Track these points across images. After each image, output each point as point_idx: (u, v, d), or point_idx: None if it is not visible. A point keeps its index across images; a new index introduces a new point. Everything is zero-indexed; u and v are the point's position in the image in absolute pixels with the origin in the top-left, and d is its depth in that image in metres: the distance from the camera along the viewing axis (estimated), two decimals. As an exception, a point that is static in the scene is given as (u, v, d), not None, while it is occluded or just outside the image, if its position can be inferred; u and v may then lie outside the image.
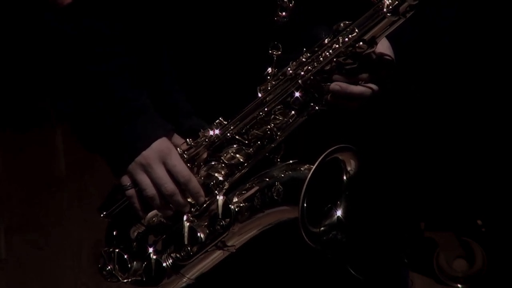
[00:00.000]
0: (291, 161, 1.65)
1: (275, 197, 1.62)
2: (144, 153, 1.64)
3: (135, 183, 1.66)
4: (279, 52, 1.65)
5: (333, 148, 1.59)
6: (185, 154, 1.67)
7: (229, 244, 1.66)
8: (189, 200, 1.67)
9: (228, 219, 1.64)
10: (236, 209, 1.64)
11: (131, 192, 1.67)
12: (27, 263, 3.52)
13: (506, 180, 3.12)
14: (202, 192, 1.66)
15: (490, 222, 3.22)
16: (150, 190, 1.65)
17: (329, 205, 1.63)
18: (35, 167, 3.75)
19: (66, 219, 3.59)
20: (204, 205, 1.67)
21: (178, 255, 1.67)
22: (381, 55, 1.64)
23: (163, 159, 1.64)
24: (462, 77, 3.05)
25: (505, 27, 2.96)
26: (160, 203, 1.66)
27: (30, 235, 3.58)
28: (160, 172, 1.64)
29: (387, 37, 1.64)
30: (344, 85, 1.62)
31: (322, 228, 1.61)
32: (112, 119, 1.65)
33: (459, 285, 3.31)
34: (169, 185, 1.64)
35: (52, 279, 3.48)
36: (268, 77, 1.66)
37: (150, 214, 1.70)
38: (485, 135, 3.11)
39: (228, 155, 1.66)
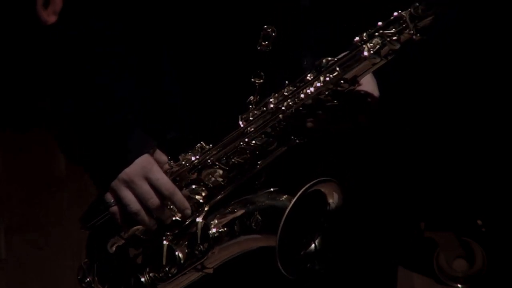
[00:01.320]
0: (271, 189, 1.67)
1: (254, 227, 1.64)
2: (127, 170, 1.65)
3: (118, 200, 1.67)
4: (261, 81, 1.68)
5: (314, 181, 1.61)
6: (167, 174, 1.68)
7: (207, 266, 1.68)
8: (174, 213, 1.68)
9: (206, 244, 1.66)
10: (216, 235, 1.66)
11: (115, 209, 1.68)
12: (27, 263, 3.52)
13: (506, 180, 3.13)
14: (187, 205, 1.67)
15: (490, 222, 3.22)
16: (134, 205, 1.66)
17: (308, 237, 1.65)
18: (35, 167, 3.75)
19: (66, 219, 3.59)
20: (184, 224, 1.68)
21: (156, 275, 1.69)
22: (364, 94, 1.66)
23: (146, 174, 1.65)
24: (462, 77, 3.05)
25: (505, 27, 2.97)
26: (144, 218, 1.67)
27: (30, 235, 3.58)
28: (145, 188, 1.65)
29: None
30: (318, 125, 1.64)
31: (300, 258, 1.63)
32: (95, 137, 1.68)
33: (459, 285, 3.31)
34: (155, 199, 1.65)
35: (52, 279, 3.48)
36: (250, 106, 1.68)
37: (131, 229, 1.71)
38: (485, 135, 3.11)
39: (209, 178, 1.68)
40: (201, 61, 1.71)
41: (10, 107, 3.88)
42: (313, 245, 1.65)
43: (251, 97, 1.68)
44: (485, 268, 3.28)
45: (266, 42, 1.68)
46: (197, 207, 1.68)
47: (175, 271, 1.68)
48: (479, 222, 3.23)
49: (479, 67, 3.03)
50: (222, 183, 1.68)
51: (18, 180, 3.74)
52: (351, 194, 1.67)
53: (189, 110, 1.74)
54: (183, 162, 1.68)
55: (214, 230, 1.66)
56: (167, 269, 1.68)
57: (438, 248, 3.30)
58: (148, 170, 1.66)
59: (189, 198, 1.68)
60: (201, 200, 1.68)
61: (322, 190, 1.63)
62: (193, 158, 1.68)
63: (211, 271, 1.69)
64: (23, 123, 3.85)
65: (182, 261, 1.68)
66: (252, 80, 1.68)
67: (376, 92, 1.69)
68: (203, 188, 1.68)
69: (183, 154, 1.69)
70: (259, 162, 1.67)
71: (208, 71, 1.72)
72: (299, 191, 1.59)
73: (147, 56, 1.73)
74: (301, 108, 1.63)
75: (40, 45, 1.71)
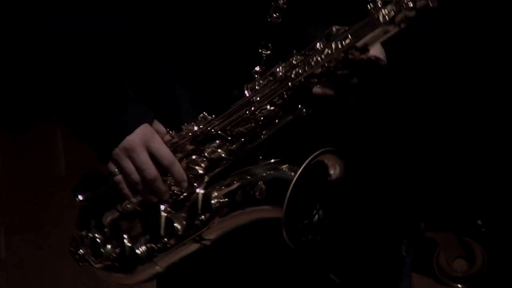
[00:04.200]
0: (273, 160, 1.65)
1: (258, 196, 1.62)
2: (128, 137, 1.65)
3: (120, 170, 1.67)
4: (269, 52, 1.66)
5: (319, 151, 1.59)
6: (168, 144, 1.67)
7: (206, 237, 1.66)
8: (171, 187, 1.67)
9: (207, 214, 1.64)
10: (216, 205, 1.64)
11: (119, 178, 1.68)
12: (27, 263, 3.52)
13: (506, 180, 3.13)
14: (185, 177, 1.66)
15: (490, 222, 3.22)
16: (135, 175, 1.66)
17: (311, 207, 1.63)
18: (35, 167, 3.75)
19: (66, 219, 3.58)
20: (182, 196, 1.67)
21: (154, 246, 1.68)
22: (374, 58, 1.64)
23: (146, 143, 1.65)
24: (462, 77, 3.05)
25: (505, 27, 2.97)
26: (144, 189, 1.66)
27: (30, 235, 3.58)
28: (143, 157, 1.65)
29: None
30: (326, 90, 1.62)
31: (302, 229, 1.62)
32: (99, 110, 1.67)
33: (459, 285, 3.31)
34: (151, 170, 1.65)
35: (52, 279, 3.48)
36: (256, 76, 1.66)
37: (126, 201, 1.71)
38: (485, 135, 3.11)
39: (210, 150, 1.67)
40: (210, 30, 1.69)
41: (10, 107, 3.88)
42: (315, 217, 1.63)
43: (257, 68, 1.67)
44: (485, 268, 3.28)
45: (277, 14, 1.67)
46: (197, 179, 1.67)
47: (173, 242, 1.67)
48: (479, 222, 3.23)
49: (479, 67, 3.03)
50: (223, 155, 1.66)
51: (18, 180, 3.73)
52: (352, 167, 1.66)
53: (193, 81, 1.73)
54: (185, 132, 1.67)
55: (215, 200, 1.65)
56: (165, 239, 1.67)
57: (438, 248, 3.30)
58: (149, 139, 1.65)
59: (189, 169, 1.67)
60: (201, 171, 1.67)
61: (325, 161, 1.61)
62: (195, 128, 1.67)
63: (208, 243, 1.67)
64: (23, 123, 3.85)
65: (180, 232, 1.66)
66: (259, 51, 1.67)
67: (384, 59, 1.66)
68: (204, 159, 1.67)
69: (185, 124, 1.68)
70: (263, 132, 1.65)
71: (216, 41, 1.70)
72: (304, 161, 1.57)
73: (150, 28, 1.72)
74: (310, 76, 1.61)
75: (37, 42, 1.71)
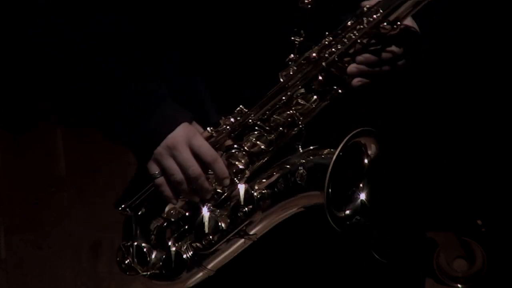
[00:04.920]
0: (311, 147, 1.64)
1: (299, 182, 1.61)
2: (170, 135, 1.63)
3: (163, 170, 1.65)
4: (301, 39, 1.65)
5: (355, 131, 1.58)
6: (207, 141, 1.66)
7: (251, 232, 1.65)
8: (214, 185, 1.66)
9: (250, 206, 1.63)
10: (258, 196, 1.63)
11: (161, 180, 1.66)
12: (27, 263, 3.52)
13: (506, 180, 3.12)
14: (228, 174, 1.65)
15: (490, 222, 3.22)
16: (178, 174, 1.64)
17: (352, 189, 1.62)
18: (35, 167, 3.75)
19: (66, 219, 3.59)
20: (225, 194, 1.66)
21: (199, 245, 1.65)
22: (406, 28, 1.62)
23: (189, 141, 1.63)
24: (462, 77, 3.05)
25: (505, 27, 2.97)
26: (188, 188, 1.64)
27: (30, 235, 3.58)
28: (187, 155, 1.63)
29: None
30: (361, 67, 1.61)
31: (346, 212, 1.61)
32: (134, 108, 1.65)
33: (459, 285, 3.31)
34: (195, 168, 1.63)
35: (52, 279, 3.48)
36: (290, 63, 1.65)
37: (169, 207, 1.69)
38: (485, 135, 3.11)
39: (249, 143, 1.66)
40: (241, 19, 1.68)
41: (10, 107, 3.87)
42: (358, 199, 1.62)
43: (291, 55, 1.65)
44: (485, 268, 3.28)
45: (308, 0, 1.66)
46: (238, 174, 1.65)
47: (217, 239, 1.64)
48: (479, 222, 3.23)
49: (479, 67, 3.03)
50: (263, 147, 1.65)
51: (18, 180, 3.73)
52: (387, 145, 1.65)
53: (226, 75, 1.71)
54: (223, 127, 1.66)
55: (257, 191, 1.63)
56: (210, 237, 1.65)
57: (438, 248, 3.30)
58: (191, 136, 1.64)
59: (230, 165, 1.65)
60: (241, 166, 1.65)
61: (362, 141, 1.60)
62: (232, 120, 1.65)
63: (255, 238, 1.65)
64: (23, 123, 3.85)
65: (224, 228, 1.64)
66: (292, 38, 1.65)
67: (417, 30, 1.65)
68: (244, 153, 1.65)
69: (223, 118, 1.67)
70: (301, 119, 1.64)
71: (248, 31, 1.68)
72: (340, 143, 1.55)
73: (179, 18, 1.71)
74: (344, 54, 1.60)
75: (50, 44, 1.70)
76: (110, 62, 1.67)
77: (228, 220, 1.64)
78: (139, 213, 1.71)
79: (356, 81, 1.61)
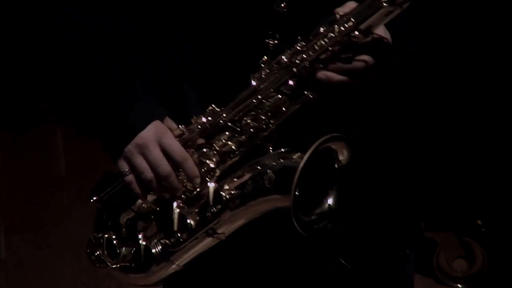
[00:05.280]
0: (282, 150, 1.65)
1: (267, 185, 1.61)
2: (141, 134, 1.64)
3: (133, 168, 1.66)
4: (276, 42, 1.65)
5: (326, 137, 1.58)
6: (178, 139, 1.66)
7: (219, 231, 1.65)
8: (184, 183, 1.66)
9: (218, 206, 1.64)
10: (227, 196, 1.64)
11: (130, 177, 1.66)
12: (27, 263, 3.52)
13: (506, 180, 3.13)
14: (198, 173, 1.65)
15: (490, 222, 3.22)
16: (148, 172, 1.64)
17: (320, 194, 1.62)
18: (35, 167, 3.76)
19: (66, 219, 3.59)
20: (195, 192, 1.67)
21: (167, 242, 1.67)
22: (378, 37, 1.63)
23: (159, 139, 1.64)
24: (462, 77, 3.05)
25: (505, 27, 2.97)
26: (157, 186, 1.65)
27: (30, 235, 3.58)
28: (156, 153, 1.64)
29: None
30: (330, 74, 1.62)
31: (313, 217, 1.62)
32: (108, 106, 1.66)
33: (459, 285, 3.31)
34: (165, 166, 1.63)
35: (52, 279, 3.48)
36: (262, 66, 1.66)
37: (140, 201, 1.70)
38: (485, 135, 3.11)
39: (220, 142, 1.66)
40: (215, 22, 1.69)
41: (10, 107, 3.88)
42: (326, 204, 1.62)
43: (265, 57, 1.66)
44: (485, 268, 3.28)
45: (283, 4, 1.66)
46: (208, 173, 1.66)
47: (185, 236, 1.65)
48: (479, 222, 3.23)
49: (479, 67, 3.03)
50: (234, 147, 1.65)
51: (18, 180, 3.74)
52: (360, 151, 1.65)
53: (200, 76, 1.72)
54: (194, 125, 1.66)
55: (226, 192, 1.64)
56: (178, 235, 1.65)
57: (438, 248, 3.30)
58: (161, 135, 1.64)
59: (201, 164, 1.66)
60: (212, 165, 1.66)
61: (333, 147, 1.61)
62: (204, 120, 1.66)
63: (223, 237, 1.66)
64: (24, 123, 3.85)
65: (193, 226, 1.65)
66: (266, 41, 1.66)
67: (389, 39, 1.66)
68: (214, 153, 1.66)
69: (194, 117, 1.67)
70: (271, 121, 1.65)
71: (222, 33, 1.69)
72: (310, 148, 1.56)
73: (152, 25, 1.72)
74: (315, 61, 1.61)
75: (40, 38, 1.71)
76: (110, 62, 1.68)
77: (197, 218, 1.65)
78: (111, 206, 1.71)
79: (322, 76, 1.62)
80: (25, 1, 1.71)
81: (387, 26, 1.64)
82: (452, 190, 3.16)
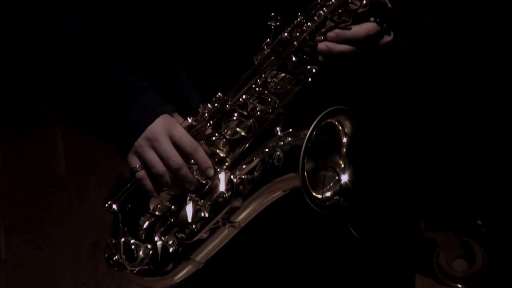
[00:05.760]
0: (290, 130, 1.63)
1: (276, 163, 1.60)
2: (150, 127, 1.63)
3: (144, 163, 1.64)
4: (278, 24, 1.64)
5: (327, 110, 1.57)
6: (187, 131, 1.65)
7: (233, 220, 1.64)
8: (196, 176, 1.65)
9: (230, 192, 1.62)
10: (238, 181, 1.62)
11: (142, 173, 1.65)
12: (27, 263, 3.52)
13: (506, 180, 3.12)
14: (210, 163, 1.64)
15: (490, 222, 3.22)
16: (160, 166, 1.63)
17: (331, 169, 1.61)
18: (35, 167, 3.75)
19: (66, 219, 3.59)
20: (207, 186, 1.65)
21: (182, 235, 1.65)
22: (377, 2, 1.62)
23: (169, 132, 1.63)
24: (462, 77, 3.05)
25: (505, 27, 2.97)
26: (170, 180, 1.64)
27: (30, 235, 3.58)
28: (167, 146, 1.62)
29: None
30: (331, 45, 1.61)
31: (326, 194, 1.60)
32: (115, 102, 1.65)
33: (459, 285, 3.31)
34: (177, 158, 1.62)
35: (52, 279, 3.48)
36: (265, 47, 1.65)
37: (154, 202, 1.69)
38: (485, 135, 3.11)
39: (229, 131, 1.65)
40: (218, 5, 1.68)
41: (10, 107, 3.87)
42: (337, 179, 1.62)
43: (268, 40, 1.65)
44: (485, 268, 3.28)
45: None
46: (219, 162, 1.65)
47: (200, 227, 1.63)
48: (479, 222, 3.23)
49: (479, 67, 3.03)
50: (243, 133, 1.64)
51: (18, 180, 3.73)
52: (366, 126, 1.64)
53: (203, 66, 1.71)
54: (202, 114, 1.65)
55: (237, 179, 1.62)
56: (192, 226, 1.64)
57: (438, 248, 3.30)
58: (171, 127, 1.63)
59: (212, 155, 1.65)
60: (222, 155, 1.65)
61: (337, 121, 1.60)
62: (210, 107, 1.65)
63: (239, 226, 1.65)
64: (24, 123, 3.85)
65: (206, 216, 1.63)
66: (268, 23, 1.64)
67: (388, 3, 1.64)
68: (224, 141, 1.65)
69: (201, 106, 1.66)
70: (277, 101, 1.63)
71: (225, 16, 1.68)
72: (313, 122, 1.55)
73: (151, 45, 1.72)
74: (315, 31, 1.60)
75: (39, 39, 1.70)
76: (111, 61, 1.68)
77: (210, 209, 1.63)
78: (126, 209, 1.70)
79: (322, 56, 1.61)
80: (25, 1, 1.71)
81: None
82: (452, 190, 3.16)
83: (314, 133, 1.55)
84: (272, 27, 1.64)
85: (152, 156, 1.63)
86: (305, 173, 1.54)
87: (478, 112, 3.09)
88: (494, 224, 3.22)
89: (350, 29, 1.60)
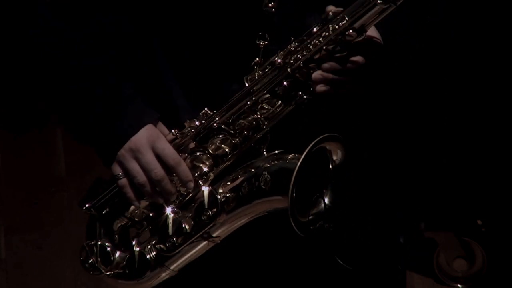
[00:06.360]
0: (276, 152, 1.64)
1: (263, 186, 1.61)
2: (133, 138, 1.64)
3: (126, 172, 1.65)
4: (266, 42, 1.65)
5: (321, 137, 1.58)
6: (171, 144, 1.66)
7: (214, 235, 1.65)
8: (177, 188, 1.66)
9: (214, 210, 1.63)
10: (222, 199, 1.63)
11: (124, 181, 1.66)
12: (27, 263, 3.52)
13: (506, 180, 3.12)
14: (191, 177, 1.65)
15: (490, 222, 3.22)
16: (141, 177, 1.64)
17: (317, 195, 1.62)
18: (35, 167, 3.75)
19: (66, 219, 3.58)
20: (189, 196, 1.66)
21: (162, 247, 1.66)
22: (370, 39, 1.63)
23: (152, 143, 1.64)
24: (462, 77, 3.05)
25: (505, 27, 2.97)
26: (151, 190, 1.65)
27: (30, 235, 3.58)
28: (150, 157, 1.64)
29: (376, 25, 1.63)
30: (326, 75, 1.62)
31: (310, 217, 1.61)
32: (100, 110, 1.66)
33: (459, 285, 3.31)
34: (158, 170, 1.64)
35: (52, 279, 3.48)
36: (255, 67, 1.65)
37: (133, 206, 1.70)
38: (485, 135, 3.11)
39: (214, 146, 1.66)
40: (204, 24, 1.68)
41: (10, 108, 3.87)
42: (322, 204, 1.62)
43: (257, 59, 1.65)
44: (485, 268, 3.28)
45: (272, 3, 1.65)
46: (202, 177, 1.65)
47: (181, 241, 1.65)
48: (479, 222, 3.22)
49: (479, 67, 3.03)
50: (227, 150, 1.65)
51: (18, 180, 3.73)
52: (355, 152, 1.65)
53: (192, 79, 1.72)
54: (187, 130, 1.66)
55: (221, 195, 1.63)
56: (173, 239, 1.65)
57: (438, 248, 3.30)
58: (154, 139, 1.64)
59: (194, 168, 1.66)
60: (206, 169, 1.66)
61: (327, 147, 1.60)
62: (197, 123, 1.66)
63: (218, 240, 1.66)
64: (23, 123, 3.85)
65: (188, 230, 1.64)
66: (257, 42, 1.65)
67: (380, 40, 1.66)
68: (208, 156, 1.66)
69: (188, 121, 1.67)
70: (265, 123, 1.64)
71: (212, 35, 1.68)
72: (306, 149, 1.55)
73: (141, 54, 1.72)
74: (309, 60, 1.60)
75: (32, 40, 1.70)
76: (102, 66, 1.68)
77: (192, 223, 1.65)
78: (103, 213, 1.71)
79: (320, 87, 1.62)
80: (25, 1, 1.71)
81: (387, 25, 1.64)
82: (452, 190, 3.16)
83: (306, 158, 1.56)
84: (261, 45, 1.65)
85: (134, 167, 1.64)
86: (294, 199, 1.55)
87: (478, 112, 3.09)
88: (494, 224, 3.22)
89: (345, 61, 1.60)
